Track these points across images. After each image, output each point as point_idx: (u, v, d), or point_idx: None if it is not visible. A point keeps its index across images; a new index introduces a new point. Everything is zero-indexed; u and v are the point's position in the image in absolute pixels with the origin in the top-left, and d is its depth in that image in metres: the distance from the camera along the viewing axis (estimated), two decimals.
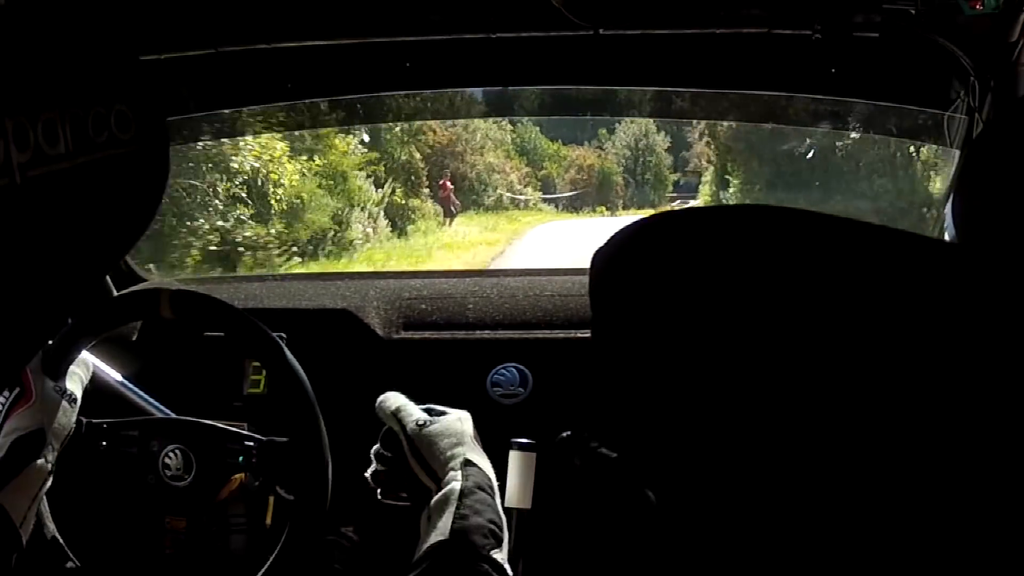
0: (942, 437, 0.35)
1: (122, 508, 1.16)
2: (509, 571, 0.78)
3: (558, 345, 1.35)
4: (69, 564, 1.10)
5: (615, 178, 22.61)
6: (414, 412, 0.99)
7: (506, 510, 1.03)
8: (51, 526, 1.11)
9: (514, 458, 1.06)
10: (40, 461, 1.01)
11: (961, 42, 1.06)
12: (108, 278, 1.44)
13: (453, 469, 0.89)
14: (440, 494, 0.85)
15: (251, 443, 1.13)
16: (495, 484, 0.91)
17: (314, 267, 8.54)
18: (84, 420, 1.13)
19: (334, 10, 1.22)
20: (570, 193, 22.10)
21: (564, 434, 1.04)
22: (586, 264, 0.47)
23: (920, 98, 1.29)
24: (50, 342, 1.08)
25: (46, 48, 0.45)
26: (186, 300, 1.08)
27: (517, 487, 1.05)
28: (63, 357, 1.09)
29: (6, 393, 1.02)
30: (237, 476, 1.12)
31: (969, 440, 0.35)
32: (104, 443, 1.13)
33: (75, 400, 1.08)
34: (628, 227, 0.42)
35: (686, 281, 0.37)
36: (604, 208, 21.49)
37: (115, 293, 1.43)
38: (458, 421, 0.97)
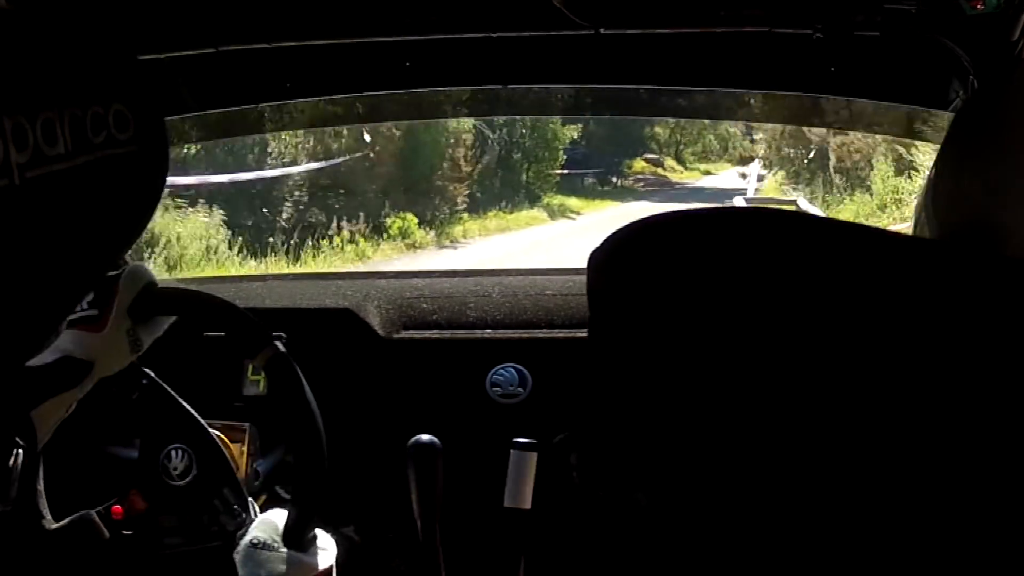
0: (936, 439, 0.35)
1: (112, 480, 1.14)
2: None
3: (558, 345, 1.35)
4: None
5: (458, 130, 9.84)
6: (255, 530, 0.99)
7: (506, 510, 1.04)
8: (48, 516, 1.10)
9: (514, 458, 1.06)
10: (75, 390, 0.98)
11: (962, 42, 1.06)
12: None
13: None
14: None
15: (246, 515, 1.11)
16: None
17: None
18: (136, 365, 1.09)
19: (334, 10, 1.22)
20: (319, 165, 9.00)
21: (561, 436, 1.04)
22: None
23: (920, 98, 1.29)
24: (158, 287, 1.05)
25: (45, 48, 0.45)
26: (280, 366, 1.05)
27: (517, 487, 1.05)
28: (155, 311, 1.06)
29: (84, 304, 0.98)
30: (238, 463, 1.12)
31: (964, 441, 0.34)
32: (135, 396, 1.11)
33: (140, 348, 1.04)
34: (625, 228, 0.42)
35: (683, 283, 0.37)
36: (410, 218, 9.18)
37: None
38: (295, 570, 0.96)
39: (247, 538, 0.97)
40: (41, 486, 1.10)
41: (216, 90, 1.42)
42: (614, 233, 0.43)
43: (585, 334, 1.35)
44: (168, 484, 1.12)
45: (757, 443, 0.36)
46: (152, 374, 1.13)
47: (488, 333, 1.38)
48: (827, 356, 0.35)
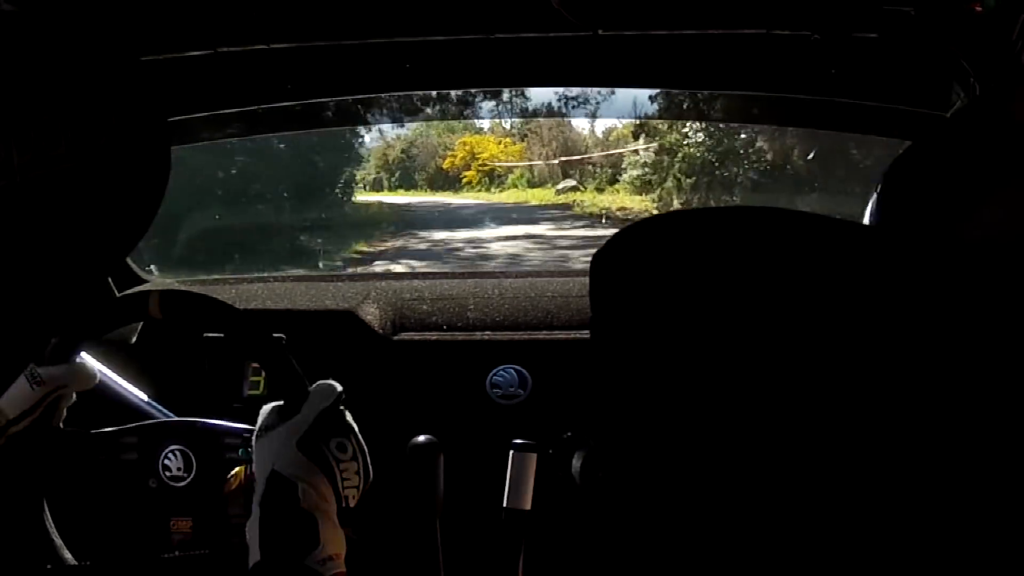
0: (935, 435, 0.35)
1: (126, 514, 1.16)
2: (334, 567, 0.78)
3: (557, 346, 1.35)
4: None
5: None
6: (261, 418, 0.94)
7: (506, 510, 1.04)
8: (60, 542, 1.11)
9: (514, 459, 1.06)
10: None
11: (960, 43, 1.06)
12: (110, 279, 1.44)
13: (258, 485, 0.86)
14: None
15: (249, 435, 1.13)
16: (316, 489, 0.85)
17: None
18: (82, 432, 1.12)
19: (333, 11, 1.22)
20: None
21: (566, 435, 1.03)
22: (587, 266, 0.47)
23: (920, 99, 1.29)
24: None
25: (47, 49, 0.46)
26: (175, 300, 1.07)
27: (517, 488, 1.05)
28: (51, 352, 1.07)
29: None
30: (238, 471, 1.12)
31: (962, 438, 0.35)
32: (102, 456, 1.13)
33: (39, 382, 1.01)
34: (628, 229, 0.42)
35: (685, 283, 0.38)
36: None
37: (117, 294, 1.43)
38: (283, 431, 0.89)
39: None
40: (50, 525, 1.12)
41: (216, 91, 1.42)
42: (617, 234, 0.43)
43: (585, 336, 1.35)
44: (177, 488, 1.13)
45: (763, 442, 0.36)
46: (103, 430, 1.12)
47: (488, 335, 1.38)
48: (830, 353, 0.35)
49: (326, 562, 0.78)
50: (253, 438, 0.92)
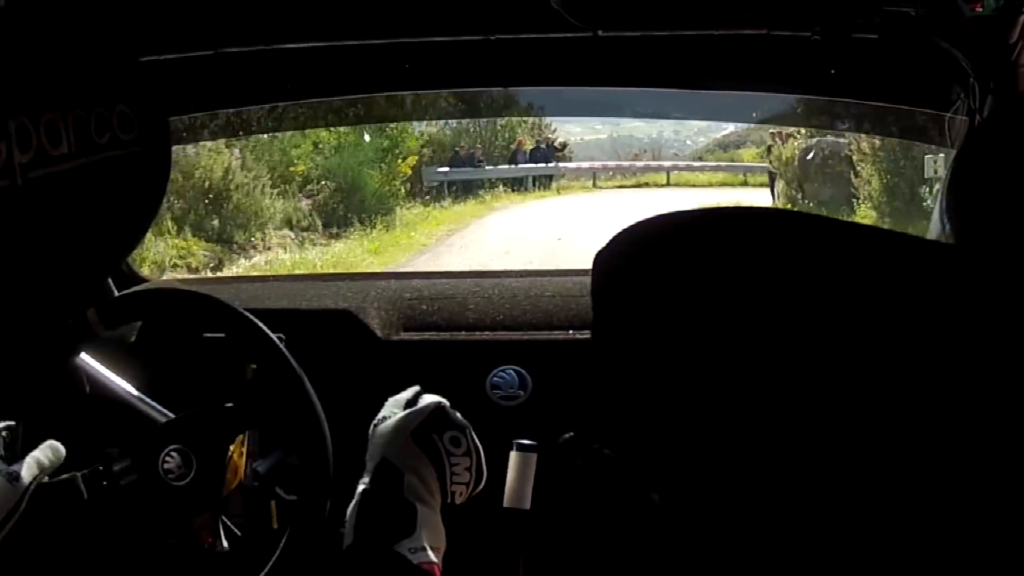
0: (944, 439, 0.35)
1: (129, 523, 1.15)
2: (425, 557, 0.78)
3: (557, 347, 1.35)
4: None
5: None
6: (383, 410, 0.97)
7: (506, 510, 1.04)
8: None
9: (514, 459, 1.06)
10: None
11: (961, 43, 1.06)
12: (110, 280, 1.44)
13: (367, 472, 0.88)
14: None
15: (245, 433, 1.13)
16: (423, 480, 0.87)
17: None
18: (70, 480, 1.10)
19: (334, 11, 1.22)
20: None
21: (566, 435, 1.03)
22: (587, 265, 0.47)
23: (920, 99, 1.29)
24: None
25: (49, 49, 0.45)
26: (173, 299, 1.06)
27: (517, 488, 1.05)
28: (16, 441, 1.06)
29: None
30: (237, 464, 1.12)
31: (969, 441, 0.35)
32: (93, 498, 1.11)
33: (17, 478, 1.00)
34: (630, 228, 0.42)
35: (689, 283, 0.38)
36: None
37: (116, 294, 1.42)
38: (398, 421, 0.92)
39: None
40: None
41: (216, 91, 1.42)
42: (619, 233, 0.43)
43: (585, 336, 1.35)
44: (178, 487, 1.12)
45: (770, 441, 0.36)
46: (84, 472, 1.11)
47: (488, 335, 1.38)
48: (835, 355, 0.35)
49: (417, 551, 0.78)
50: (371, 428, 0.93)
